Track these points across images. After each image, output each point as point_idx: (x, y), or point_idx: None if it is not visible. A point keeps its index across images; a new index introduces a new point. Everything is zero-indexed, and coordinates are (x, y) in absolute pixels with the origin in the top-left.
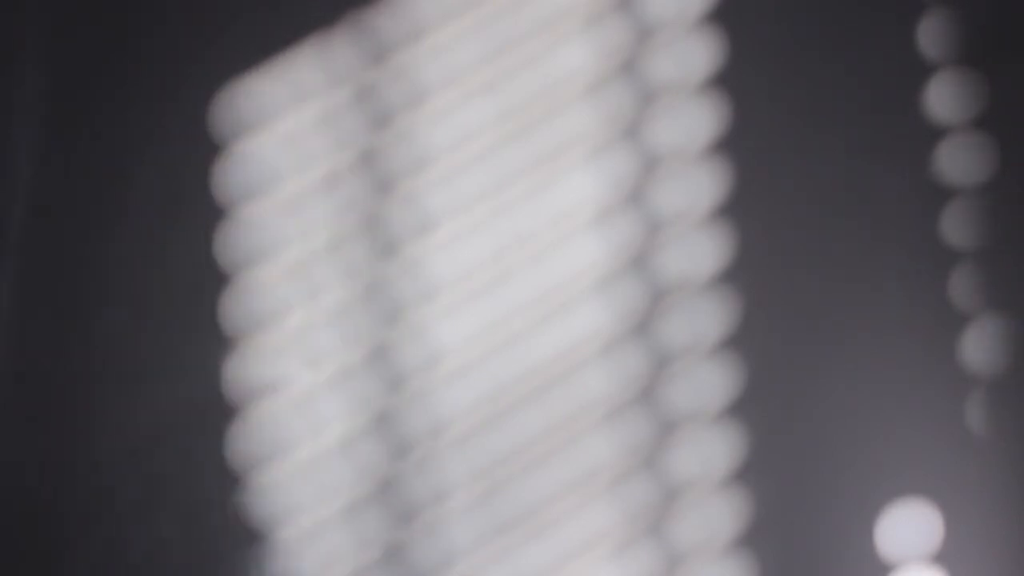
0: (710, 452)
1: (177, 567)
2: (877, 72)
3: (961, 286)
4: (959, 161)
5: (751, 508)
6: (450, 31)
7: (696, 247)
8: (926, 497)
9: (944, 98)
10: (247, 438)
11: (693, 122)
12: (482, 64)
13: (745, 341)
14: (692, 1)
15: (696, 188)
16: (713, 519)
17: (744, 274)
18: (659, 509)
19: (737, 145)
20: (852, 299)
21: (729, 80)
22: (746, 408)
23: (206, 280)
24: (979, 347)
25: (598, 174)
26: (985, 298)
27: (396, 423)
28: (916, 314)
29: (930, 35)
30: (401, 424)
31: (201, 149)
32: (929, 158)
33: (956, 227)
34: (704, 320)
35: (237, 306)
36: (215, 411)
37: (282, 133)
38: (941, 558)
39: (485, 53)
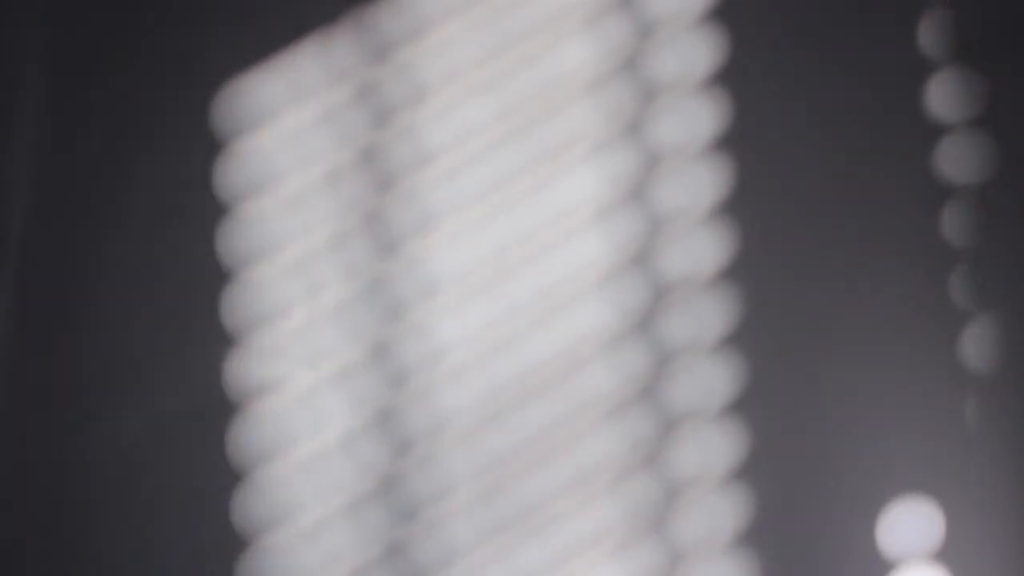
0: (711, 450)
1: (178, 567)
2: (877, 71)
3: (960, 284)
4: (958, 160)
5: (752, 506)
6: (451, 29)
7: (697, 245)
8: (926, 494)
9: (943, 97)
10: (248, 436)
11: (694, 120)
12: (483, 62)
13: (746, 339)
14: None
15: (697, 186)
16: (714, 517)
17: (745, 272)
18: (660, 507)
19: (738, 143)
20: (852, 297)
21: (730, 78)
22: (747, 406)
23: (207, 278)
24: (978, 345)
25: (599, 171)
26: (984, 296)
27: (397, 421)
28: (915, 312)
29: (930, 34)
30: (402, 422)
31: (202, 147)
32: (928, 157)
33: (955, 225)
34: (705, 318)
35: (238, 304)
36: (215, 410)
37: (283, 131)
38: (941, 555)
39: (486, 51)
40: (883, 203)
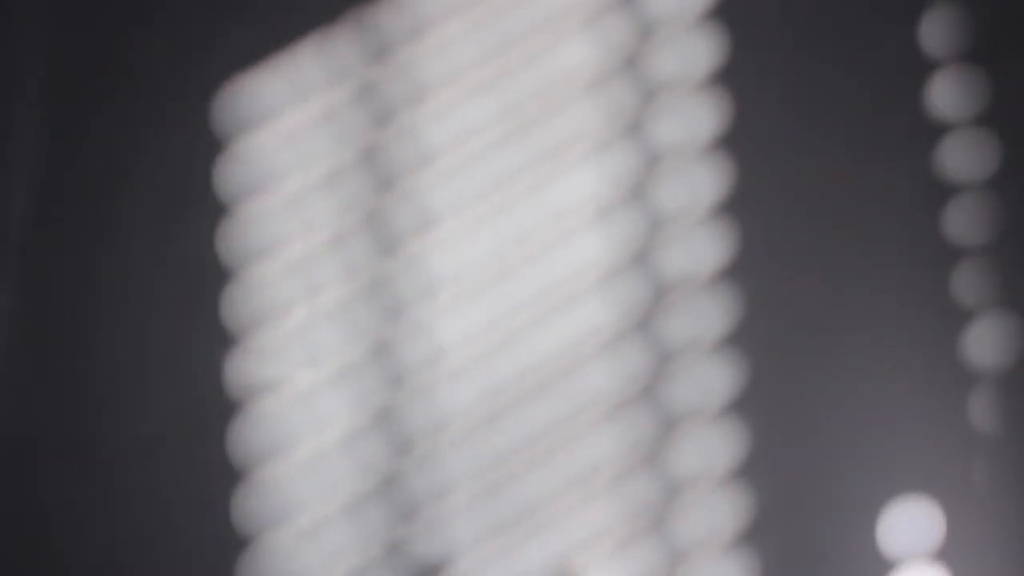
0: (712, 449)
1: (177, 567)
2: (880, 69)
3: (964, 283)
4: (962, 157)
5: (753, 505)
6: (451, 28)
7: (698, 244)
8: (928, 494)
9: (947, 95)
10: (248, 436)
11: (695, 119)
12: (483, 61)
13: (747, 338)
14: None
15: (698, 185)
16: (715, 516)
17: (746, 271)
18: (661, 506)
19: (738, 142)
20: (854, 296)
21: (731, 77)
22: (748, 405)
23: (208, 277)
24: (982, 344)
25: (600, 171)
26: (988, 295)
27: (398, 420)
28: (919, 311)
29: (933, 32)
30: (403, 421)
31: (203, 146)
32: (932, 155)
33: (959, 224)
34: (706, 317)
35: (238, 303)
36: (216, 409)
37: (284, 130)
38: (942, 555)
39: (486, 50)
40: (885, 202)
